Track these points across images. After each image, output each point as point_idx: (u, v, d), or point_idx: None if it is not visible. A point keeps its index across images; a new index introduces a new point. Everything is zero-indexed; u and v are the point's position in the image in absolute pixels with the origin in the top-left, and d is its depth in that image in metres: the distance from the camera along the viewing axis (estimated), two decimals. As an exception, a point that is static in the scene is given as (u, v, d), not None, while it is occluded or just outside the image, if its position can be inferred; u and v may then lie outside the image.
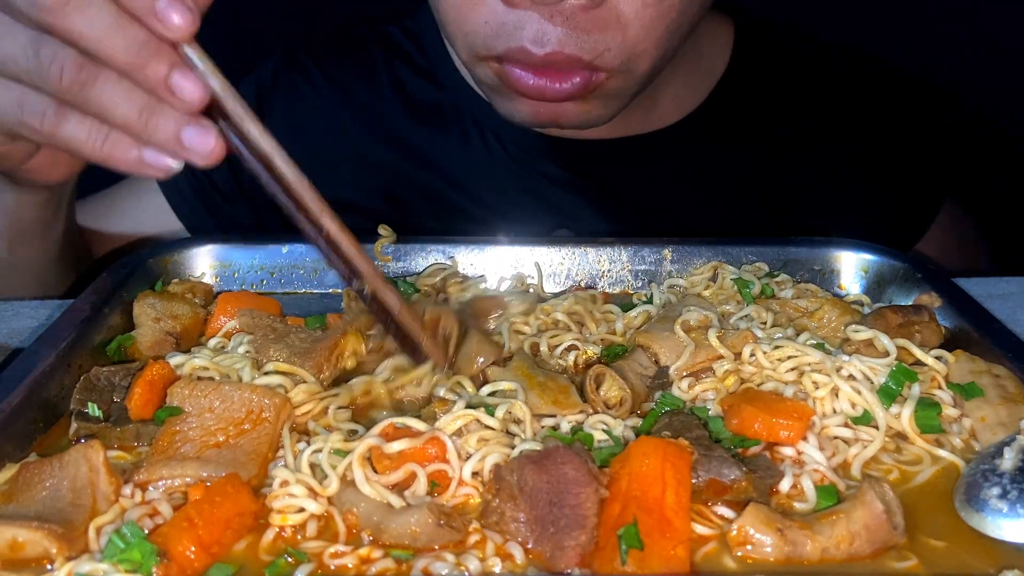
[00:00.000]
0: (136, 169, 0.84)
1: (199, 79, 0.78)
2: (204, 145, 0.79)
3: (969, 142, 1.56)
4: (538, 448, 0.79)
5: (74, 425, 0.86)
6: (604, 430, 0.85)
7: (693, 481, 0.76)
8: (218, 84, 0.79)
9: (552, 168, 1.42)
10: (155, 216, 1.52)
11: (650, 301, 1.10)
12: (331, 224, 0.84)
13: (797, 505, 0.78)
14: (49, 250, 1.26)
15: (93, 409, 0.87)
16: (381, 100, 1.49)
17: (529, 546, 0.72)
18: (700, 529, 0.74)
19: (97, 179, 1.27)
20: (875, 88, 1.49)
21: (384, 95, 1.49)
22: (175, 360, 0.93)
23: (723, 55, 1.44)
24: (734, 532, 0.71)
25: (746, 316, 1.04)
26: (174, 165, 0.82)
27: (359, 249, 0.86)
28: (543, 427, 0.86)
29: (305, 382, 0.91)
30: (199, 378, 0.91)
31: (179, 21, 0.76)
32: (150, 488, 0.78)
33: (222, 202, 1.51)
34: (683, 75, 1.38)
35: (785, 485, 0.78)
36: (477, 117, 1.42)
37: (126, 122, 0.81)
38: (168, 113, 0.80)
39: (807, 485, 0.78)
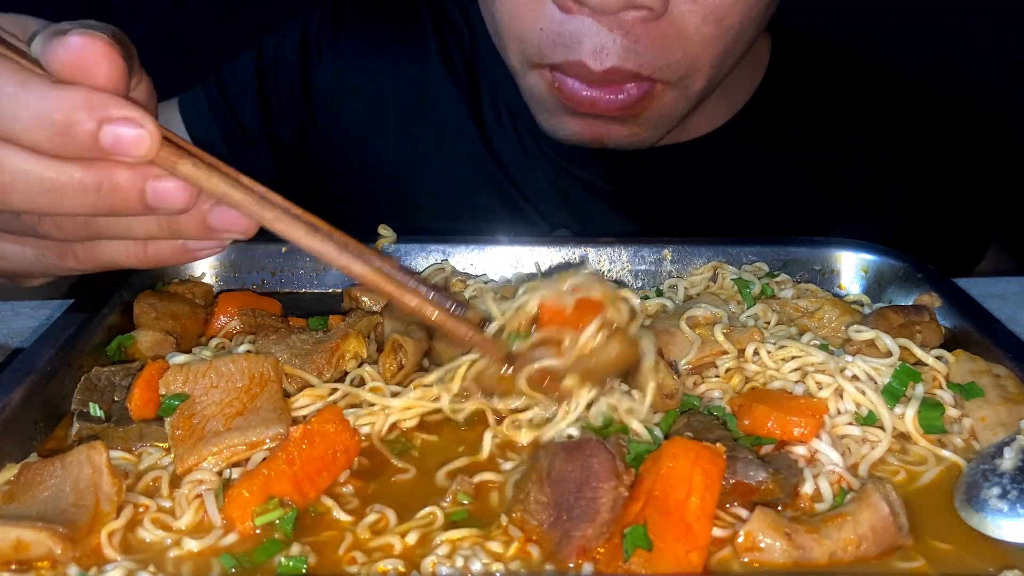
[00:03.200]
0: (189, 258, 0.78)
1: (179, 180, 0.68)
2: (234, 224, 0.72)
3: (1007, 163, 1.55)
4: (575, 435, 0.82)
5: (76, 425, 0.85)
6: (646, 427, 0.84)
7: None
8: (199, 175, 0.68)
9: (576, 168, 1.41)
10: None
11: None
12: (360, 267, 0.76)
13: (818, 507, 0.77)
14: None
15: (94, 409, 0.87)
16: (427, 66, 1.45)
17: (544, 528, 0.72)
18: (718, 532, 0.73)
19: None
20: (911, 111, 1.46)
21: (430, 62, 1.45)
22: (175, 360, 0.92)
23: (758, 71, 1.42)
24: (741, 538, 0.71)
25: (751, 316, 1.04)
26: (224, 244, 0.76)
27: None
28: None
29: (310, 385, 0.91)
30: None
31: (138, 151, 0.65)
32: (195, 472, 0.79)
33: (245, 145, 1.48)
34: (719, 90, 1.36)
35: (808, 487, 0.78)
36: (512, 107, 1.40)
37: (151, 235, 0.74)
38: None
39: (824, 487, 0.77)
